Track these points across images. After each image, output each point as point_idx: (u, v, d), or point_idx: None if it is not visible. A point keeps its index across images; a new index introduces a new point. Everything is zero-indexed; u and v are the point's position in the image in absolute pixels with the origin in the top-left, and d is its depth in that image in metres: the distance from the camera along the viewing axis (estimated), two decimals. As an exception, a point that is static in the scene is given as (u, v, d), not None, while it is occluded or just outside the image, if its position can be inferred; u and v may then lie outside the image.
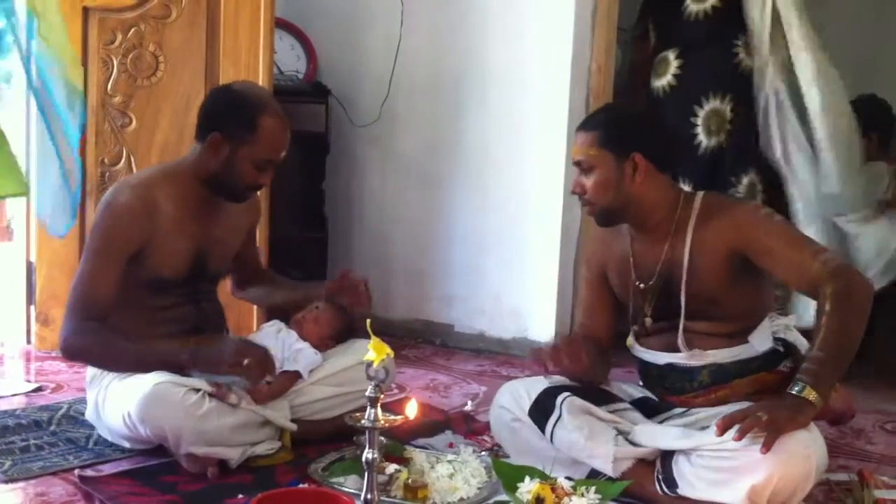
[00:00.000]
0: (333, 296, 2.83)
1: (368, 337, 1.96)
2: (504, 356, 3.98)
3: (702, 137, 3.65)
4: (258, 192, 2.78)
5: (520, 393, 2.52)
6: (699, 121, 3.64)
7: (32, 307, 3.72)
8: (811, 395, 2.12)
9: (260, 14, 3.61)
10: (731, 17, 3.68)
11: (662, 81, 3.73)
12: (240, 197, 2.67)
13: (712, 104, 3.67)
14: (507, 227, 4.02)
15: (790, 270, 2.27)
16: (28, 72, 2.96)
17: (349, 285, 2.82)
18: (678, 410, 2.42)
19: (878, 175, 4.33)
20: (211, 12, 3.63)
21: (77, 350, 2.57)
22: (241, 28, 3.62)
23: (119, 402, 2.48)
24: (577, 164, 2.43)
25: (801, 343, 2.38)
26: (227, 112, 2.59)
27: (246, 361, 2.43)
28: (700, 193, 2.47)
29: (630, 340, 2.57)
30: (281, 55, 4.17)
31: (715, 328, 2.38)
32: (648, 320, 2.47)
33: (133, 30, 3.60)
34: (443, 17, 4.15)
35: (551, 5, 3.84)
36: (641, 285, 2.46)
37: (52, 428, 2.79)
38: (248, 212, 2.85)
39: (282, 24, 4.17)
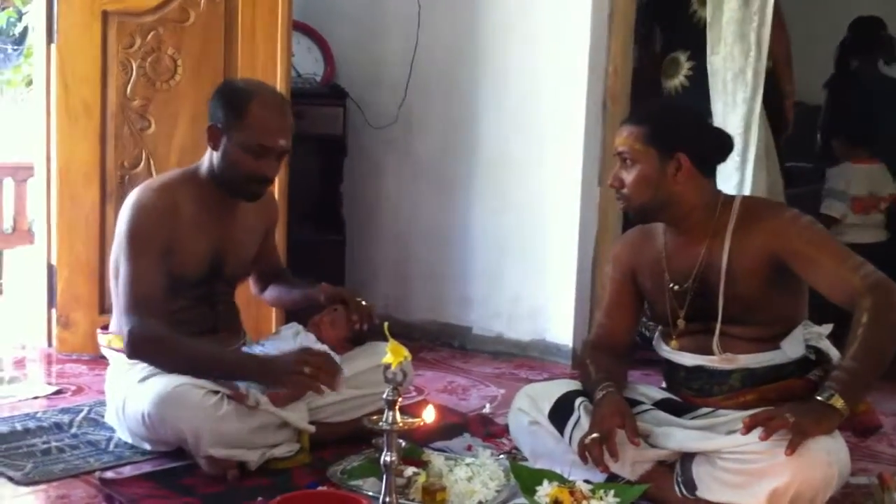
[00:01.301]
0: (330, 303, 2.84)
1: (386, 339, 1.97)
2: (522, 359, 3.98)
3: None
4: (275, 193, 2.76)
5: (539, 396, 2.52)
6: (712, 122, 3.58)
7: (53, 310, 3.74)
8: (838, 402, 2.11)
9: (277, 17, 3.62)
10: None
11: (675, 82, 3.78)
12: (245, 190, 2.62)
13: None
14: (525, 229, 4.01)
15: (829, 281, 2.26)
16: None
17: (342, 301, 2.82)
18: (704, 410, 2.40)
19: (844, 181, 4.36)
20: (229, 16, 3.64)
21: (146, 346, 2.51)
22: (259, 31, 3.64)
23: (139, 404, 2.50)
24: (620, 155, 2.39)
25: (833, 353, 2.35)
26: (220, 102, 2.61)
27: (307, 369, 2.40)
28: (739, 197, 2.45)
29: (656, 341, 2.57)
30: (298, 58, 4.18)
31: (749, 332, 2.36)
32: (682, 322, 2.45)
33: (152, 33, 3.62)
34: (459, 19, 4.15)
35: (568, 7, 3.83)
36: (676, 287, 2.44)
37: (73, 430, 2.81)
38: (264, 213, 2.86)
39: (299, 27, 4.18)
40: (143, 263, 2.53)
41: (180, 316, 2.63)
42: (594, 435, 2.24)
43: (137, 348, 2.51)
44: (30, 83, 5.83)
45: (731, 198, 2.44)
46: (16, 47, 6.64)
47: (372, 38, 4.43)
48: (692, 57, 3.73)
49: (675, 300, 2.45)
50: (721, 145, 2.45)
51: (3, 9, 6.30)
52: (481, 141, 4.12)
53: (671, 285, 2.45)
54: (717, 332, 2.37)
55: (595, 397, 2.36)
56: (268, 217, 2.92)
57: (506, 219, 4.07)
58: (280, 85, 3.59)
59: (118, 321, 2.69)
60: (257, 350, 2.72)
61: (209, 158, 2.65)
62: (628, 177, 2.37)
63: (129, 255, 2.54)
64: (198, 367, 2.49)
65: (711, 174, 2.44)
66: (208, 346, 2.60)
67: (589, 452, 2.24)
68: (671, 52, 3.86)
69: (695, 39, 3.66)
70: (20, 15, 6.15)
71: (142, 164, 3.66)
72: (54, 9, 3.60)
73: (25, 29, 6.08)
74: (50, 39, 3.64)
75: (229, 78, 2.84)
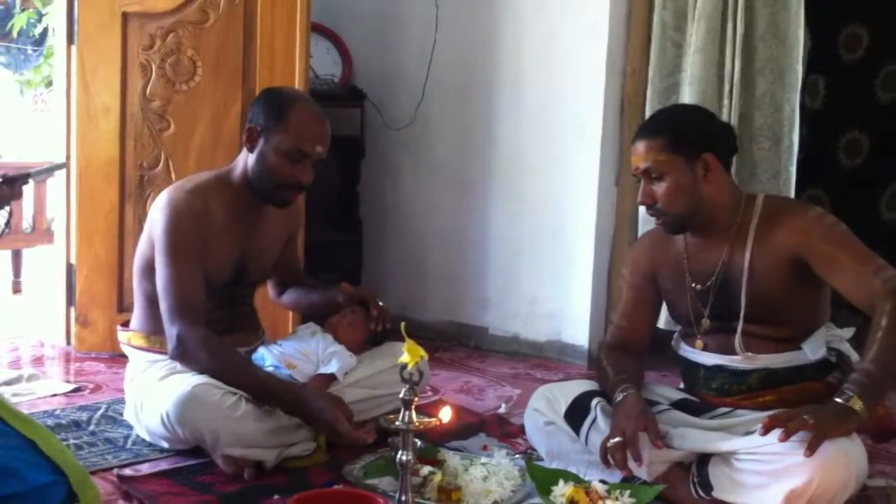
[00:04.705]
0: (349, 304, 2.85)
1: (403, 340, 1.98)
2: (538, 359, 3.98)
3: (843, 160, 4.51)
4: (298, 199, 2.76)
5: (555, 396, 2.52)
6: (840, 145, 4.44)
7: (72, 309, 3.77)
8: (857, 404, 2.10)
9: (296, 18, 3.64)
10: (873, 64, 4.55)
11: (815, 103, 4.36)
12: (277, 196, 2.64)
13: (851, 135, 4.59)
14: (541, 230, 4.02)
15: (850, 282, 2.24)
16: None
17: (361, 301, 2.84)
18: (722, 410, 2.40)
19: None
20: (248, 17, 3.66)
21: (195, 352, 2.50)
22: (278, 32, 3.65)
23: (158, 403, 2.51)
24: (645, 172, 2.36)
25: (854, 357, 2.33)
26: (262, 105, 2.62)
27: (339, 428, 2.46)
28: (761, 195, 2.44)
29: (676, 341, 2.56)
30: (316, 59, 4.20)
31: (771, 332, 2.35)
32: (707, 321, 2.44)
33: (171, 35, 3.64)
34: (477, 21, 4.16)
35: (585, 8, 3.83)
36: (698, 287, 2.44)
37: (92, 428, 2.83)
38: (289, 220, 2.87)
39: (317, 29, 4.20)
40: (185, 267, 2.53)
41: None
42: (617, 439, 2.24)
43: (187, 353, 2.51)
44: (49, 84, 5.87)
45: (754, 196, 2.44)
46: (36, 48, 6.68)
47: (389, 39, 4.45)
48: (828, 86, 4.33)
49: (698, 300, 2.45)
50: (733, 136, 2.46)
51: (24, 10, 6.33)
52: (498, 142, 4.13)
53: (693, 285, 2.45)
54: (738, 330, 2.37)
55: (615, 399, 2.35)
56: (292, 223, 2.93)
57: (522, 220, 4.07)
58: (298, 86, 3.61)
59: (141, 320, 2.71)
60: (275, 349, 2.73)
61: (244, 161, 2.66)
62: (660, 190, 2.35)
63: (170, 258, 2.53)
64: (238, 384, 2.49)
65: (730, 169, 2.44)
66: (255, 368, 2.61)
67: (612, 456, 2.24)
68: (812, 73, 4.32)
69: (833, 72, 4.36)
70: (40, 16, 6.18)
71: (161, 164, 3.68)
72: (75, 10, 3.63)
73: (45, 30, 6.11)
74: (70, 41, 3.67)
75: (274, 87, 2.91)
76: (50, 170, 2.30)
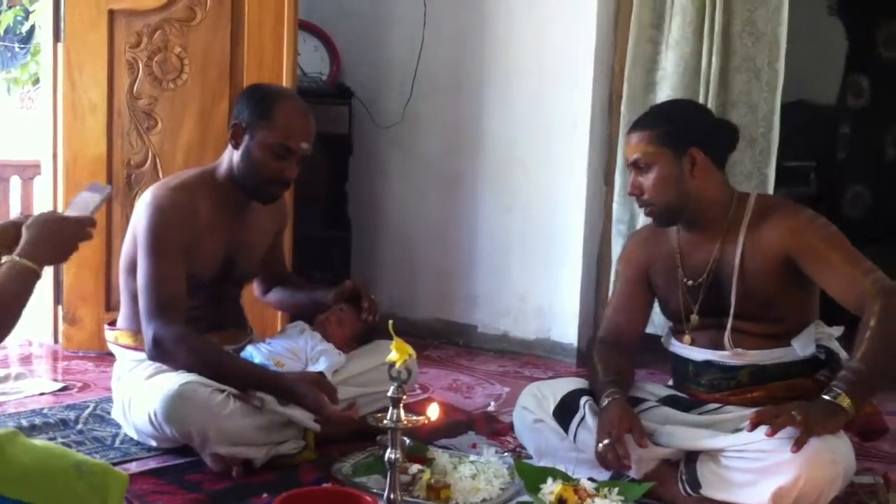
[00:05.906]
0: (339, 303, 2.85)
1: (391, 338, 1.97)
2: (527, 357, 3.98)
3: (890, 151, 4.82)
4: (285, 196, 2.76)
5: (543, 394, 2.53)
6: (889, 140, 4.76)
7: (60, 307, 3.76)
8: (844, 401, 2.11)
9: (284, 16, 3.64)
10: None
11: (859, 102, 4.75)
12: (263, 191, 2.64)
13: None
14: (531, 227, 4.02)
15: (840, 283, 2.26)
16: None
17: (353, 296, 2.84)
18: (711, 406, 2.41)
19: None
20: (235, 15, 3.65)
21: (171, 352, 2.50)
22: (265, 30, 3.65)
23: (145, 401, 2.50)
24: (634, 163, 2.40)
25: (843, 355, 2.34)
26: (247, 101, 2.63)
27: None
28: (754, 193, 2.46)
29: (666, 337, 2.57)
30: (304, 57, 4.19)
31: (761, 329, 2.37)
32: (695, 317, 2.45)
33: (158, 32, 3.63)
34: (465, 18, 4.16)
35: (574, 6, 3.84)
36: (690, 282, 2.45)
37: (79, 427, 2.82)
38: (276, 216, 2.87)
39: (305, 26, 4.19)
40: (166, 265, 2.52)
41: (188, 314, 2.64)
42: (606, 441, 2.24)
43: (163, 353, 2.52)
44: (36, 81, 5.85)
45: (746, 194, 2.45)
46: (23, 46, 6.65)
47: (378, 37, 4.44)
48: (872, 84, 4.64)
49: (689, 296, 2.46)
50: (729, 135, 2.47)
51: (10, 7, 6.31)
52: (487, 139, 4.13)
53: (685, 281, 2.46)
54: (728, 326, 2.38)
55: (601, 404, 2.36)
56: (279, 220, 2.92)
57: (512, 217, 4.08)
58: (286, 84, 3.61)
59: (127, 318, 2.70)
60: (263, 348, 2.73)
61: (229, 158, 2.65)
62: (646, 181, 2.38)
63: (151, 256, 2.53)
64: (221, 377, 2.49)
65: (723, 166, 2.45)
66: (235, 359, 2.62)
67: (605, 458, 2.25)
68: (855, 73, 4.72)
69: (877, 70, 4.62)
70: (27, 13, 6.16)
71: (148, 162, 3.67)
72: (61, 7, 3.62)
73: (32, 27, 6.09)
74: (57, 38, 3.65)
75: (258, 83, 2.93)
76: (104, 200, 2.36)
